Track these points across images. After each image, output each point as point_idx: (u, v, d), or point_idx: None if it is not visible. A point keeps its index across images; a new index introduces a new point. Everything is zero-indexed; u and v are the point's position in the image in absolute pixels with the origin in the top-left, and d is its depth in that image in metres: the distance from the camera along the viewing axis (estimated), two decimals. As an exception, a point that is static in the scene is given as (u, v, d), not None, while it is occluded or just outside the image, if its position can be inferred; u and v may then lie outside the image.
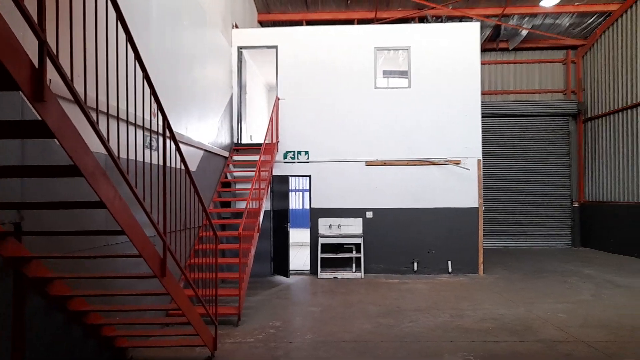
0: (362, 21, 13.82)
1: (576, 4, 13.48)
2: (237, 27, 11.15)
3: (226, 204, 9.98)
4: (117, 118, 3.24)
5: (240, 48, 11.10)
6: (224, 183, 9.82)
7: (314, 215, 10.72)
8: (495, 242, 15.29)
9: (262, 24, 14.10)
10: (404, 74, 10.99)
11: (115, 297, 4.87)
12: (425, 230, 10.66)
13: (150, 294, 4.67)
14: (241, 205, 9.81)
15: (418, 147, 10.73)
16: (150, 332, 5.47)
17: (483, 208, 10.83)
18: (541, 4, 12.27)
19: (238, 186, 10.28)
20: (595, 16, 14.05)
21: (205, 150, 8.59)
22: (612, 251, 13.77)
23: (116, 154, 3.13)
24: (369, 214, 10.69)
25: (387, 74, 11.63)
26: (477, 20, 13.35)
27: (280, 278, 10.24)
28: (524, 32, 14.46)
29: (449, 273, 10.54)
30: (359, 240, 10.35)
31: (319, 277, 10.26)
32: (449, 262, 10.56)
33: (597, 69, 14.88)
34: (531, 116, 15.47)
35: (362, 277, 10.27)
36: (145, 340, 5.61)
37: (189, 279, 4.77)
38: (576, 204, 15.42)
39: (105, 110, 3.47)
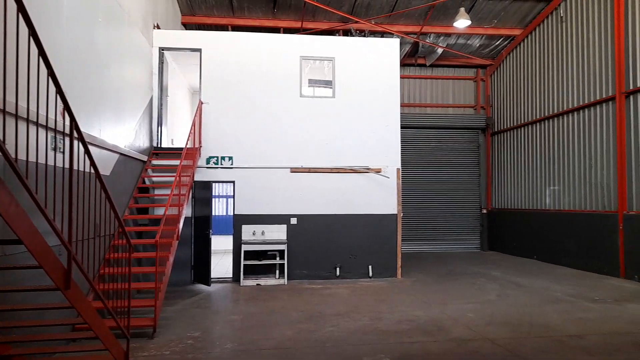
0: (288, 30, 13.95)
1: (485, 27, 14.63)
2: (158, 27, 10.76)
3: (144, 210, 9.53)
4: (16, 116, 2.98)
5: (161, 49, 10.71)
6: (141, 188, 9.37)
7: (238, 221, 10.57)
8: (413, 247, 16.01)
9: (186, 26, 13.73)
10: (328, 83, 11.24)
11: (13, 312, 4.45)
12: (348, 236, 10.91)
13: (54, 307, 4.32)
14: (160, 211, 9.41)
15: (341, 155, 10.99)
16: (54, 349, 5.06)
17: (401, 215, 11.31)
18: (455, 24, 13.15)
19: (157, 192, 9.87)
20: (502, 39, 15.33)
21: (121, 154, 8.15)
22: (515, 254, 14.99)
23: (14, 155, 2.88)
24: (294, 221, 10.74)
25: (313, 83, 11.82)
26: (398, 37, 14.02)
27: (201, 287, 9.94)
28: (440, 50, 15.40)
29: (370, 277, 10.86)
30: (283, 247, 10.36)
31: (241, 284, 10.11)
32: (370, 267, 10.89)
33: (503, 88, 16.21)
34: (445, 128, 16.47)
35: (286, 283, 10.27)
36: (48, 357, 5.18)
37: (98, 290, 4.48)
38: (484, 211, 16.61)
39: (1, 107, 3.19)
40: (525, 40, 14.84)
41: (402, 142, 11.64)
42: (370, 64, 11.25)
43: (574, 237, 12.25)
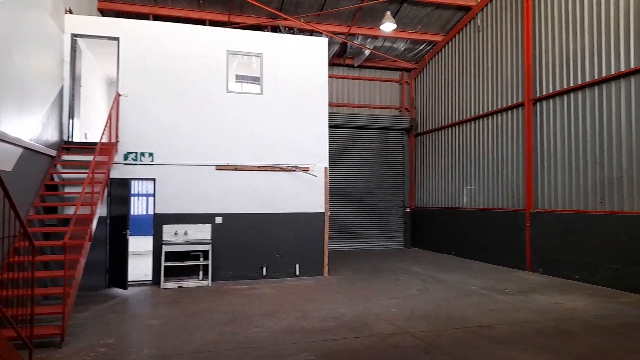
0: (214, 23, 13.51)
1: (409, 31, 15.17)
2: (71, 12, 9.95)
3: (52, 210, 8.77)
4: None
5: (74, 36, 9.93)
6: (49, 186, 8.60)
7: (158, 221, 10.07)
8: (340, 245, 16.24)
9: (103, 12, 12.86)
10: (256, 80, 11.05)
11: None
12: (275, 235, 10.79)
13: None
14: (71, 210, 8.70)
15: (269, 153, 10.85)
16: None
17: (329, 213, 11.40)
18: (381, 27, 13.50)
19: (68, 189, 9.11)
20: (425, 44, 16.00)
21: (26, 148, 7.42)
22: (436, 250, 15.71)
23: None
24: (219, 220, 10.44)
25: (240, 78, 11.57)
26: (326, 36, 14.12)
27: (117, 291, 9.35)
28: (367, 52, 15.76)
29: (297, 276, 10.83)
30: (207, 247, 10.02)
31: (162, 287, 9.64)
32: (297, 266, 10.86)
33: (426, 91, 16.94)
34: (372, 129, 16.90)
35: (210, 284, 9.95)
36: None
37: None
38: (408, 209, 17.25)
39: None
40: (446, 47, 15.60)
41: (330, 141, 11.74)
42: (299, 61, 11.22)
43: (487, 234, 13.07)
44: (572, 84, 10.47)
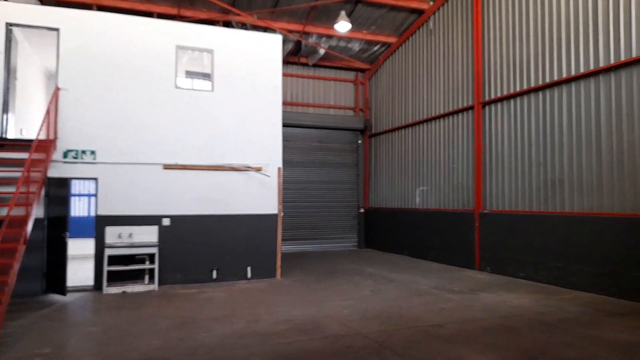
0: (163, 16, 12.96)
1: (364, 32, 15.26)
2: (5, -2, 9.26)
3: (-19, 211, 8.09)
4: None
5: (9, 25, 9.24)
6: (-22, 185, 7.95)
7: (101, 223, 9.54)
8: (294, 247, 16.10)
9: (43, 1, 12.06)
10: (207, 76, 10.71)
11: None
12: (226, 237, 10.51)
13: None
14: (3, 212, 8.06)
15: (221, 153, 10.55)
16: None
17: (282, 214, 11.23)
18: (336, 27, 13.49)
19: (0, 189, 8.45)
20: (379, 45, 16.16)
21: (-51, 144, 6.80)
22: (388, 251, 15.89)
23: None
24: (166, 221, 10.03)
25: (190, 74, 11.20)
26: (280, 33, 13.93)
27: (55, 297, 8.77)
28: (322, 51, 15.71)
29: (249, 279, 10.60)
30: (154, 250, 9.58)
31: (104, 292, 9.14)
32: (249, 268, 10.62)
33: (380, 92, 17.11)
34: (327, 129, 16.89)
35: (157, 289, 9.54)
36: None
37: None
38: (362, 210, 17.36)
39: None
40: (400, 48, 15.81)
41: (284, 140, 11.58)
42: (252, 58, 10.98)
43: (439, 234, 13.34)
44: (518, 89, 10.86)
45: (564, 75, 9.68)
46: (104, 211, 9.57)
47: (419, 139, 14.66)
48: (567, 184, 9.58)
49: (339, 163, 17.18)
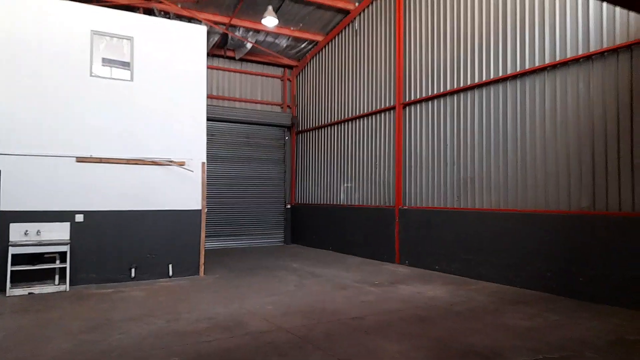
0: (78, -1, 12.16)
1: (292, 28, 15.31)
2: None
3: None
4: None
5: None
6: None
7: (4, 219, 8.74)
8: (219, 243, 15.83)
9: None
10: (126, 65, 10.17)
11: None
12: (147, 234, 10.09)
13: None
14: None
15: (141, 145, 10.09)
16: None
17: (206, 210, 11.00)
18: (263, 21, 13.41)
19: None
20: (307, 42, 16.29)
21: None
22: (314, 246, 16.13)
23: None
24: (80, 218, 9.42)
25: (108, 62, 10.53)
26: (206, 24, 13.58)
27: (-53, 302, 7.94)
28: (249, 45, 15.53)
29: (170, 277, 10.27)
30: (65, 248, 8.95)
31: (8, 294, 8.40)
32: (170, 266, 10.28)
33: (307, 89, 17.27)
34: (254, 124, 16.75)
35: (68, 289, 8.93)
36: None
37: None
38: (289, 206, 17.46)
39: None
40: (327, 47, 16.06)
41: (209, 135, 11.34)
42: (175, 49, 10.60)
43: (362, 230, 13.77)
44: (435, 92, 11.48)
45: (477, 81, 10.40)
46: (7, 207, 8.78)
47: (344, 137, 15.01)
48: (477, 182, 10.32)
49: (266, 159, 17.13)
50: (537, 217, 8.99)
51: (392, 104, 12.89)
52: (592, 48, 8.26)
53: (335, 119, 15.44)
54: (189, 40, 10.81)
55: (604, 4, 8.00)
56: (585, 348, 5.67)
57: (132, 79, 10.08)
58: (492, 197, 9.99)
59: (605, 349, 5.68)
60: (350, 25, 14.80)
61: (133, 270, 9.87)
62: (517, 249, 9.29)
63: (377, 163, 13.43)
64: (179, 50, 10.64)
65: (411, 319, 7.00)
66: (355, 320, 6.86)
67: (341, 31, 15.25)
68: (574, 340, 5.97)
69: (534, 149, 9.18)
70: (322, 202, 16.07)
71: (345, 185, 14.84)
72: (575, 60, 8.54)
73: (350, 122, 14.77)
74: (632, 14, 7.65)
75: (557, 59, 8.80)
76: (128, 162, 9.92)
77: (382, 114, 13.35)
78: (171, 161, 10.37)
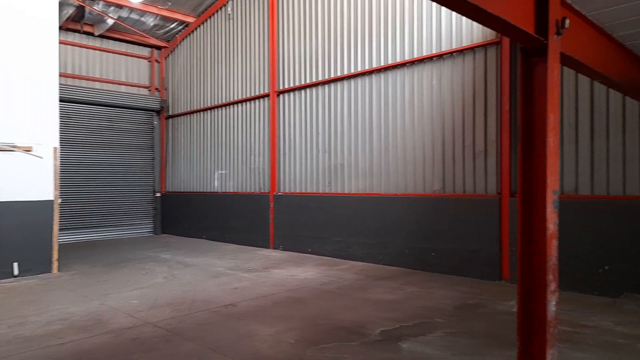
0: None
1: (159, 7, 14.36)
2: None
3: None
4: None
5: None
6: None
7: None
8: (79, 236, 14.37)
9: None
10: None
11: None
12: (-17, 230, 8.73)
13: None
14: None
15: (-27, 127, 8.66)
16: None
17: (60, 200, 9.87)
18: (127, -4, 12.38)
19: None
20: (177, 23, 15.44)
21: None
22: (187, 235, 15.53)
23: None
24: None
25: None
26: (58, -7, 12.08)
27: None
28: (111, 21, 14.21)
29: (15, 276, 9.04)
30: None
31: None
32: (15, 264, 9.05)
33: (178, 72, 16.41)
34: (117, 107, 15.41)
35: None
36: None
37: None
38: (158, 194, 16.51)
39: None
40: (198, 30, 15.40)
41: (63, 117, 10.14)
42: (18, 19, 9.22)
43: (237, 217, 13.62)
44: (308, 81, 11.75)
45: (346, 72, 10.88)
46: None
47: (218, 123, 14.63)
48: (347, 169, 10.87)
49: (132, 145, 15.92)
50: (398, 200, 9.79)
51: (266, 92, 12.88)
52: (444, 48, 9.19)
53: (209, 104, 14.95)
54: (35, 9, 9.43)
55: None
56: (435, 314, 6.37)
57: (-41, 49, 8.55)
58: (359, 183, 10.61)
59: (451, 313, 6.45)
60: (224, 8, 14.37)
61: (-34, 272, 8.49)
62: (382, 230, 10.03)
63: (252, 150, 13.36)
64: (23, 21, 9.23)
65: (284, 301, 7.15)
66: (227, 308, 6.78)
67: (214, 14, 14.73)
68: (426, 308, 6.67)
69: (396, 138, 9.94)
70: (195, 190, 15.51)
71: (220, 172, 14.50)
72: (430, 58, 9.42)
73: (224, 108, 14.42)
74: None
75: (415, 56, 9.62)
76: (-44, 146, 8.44)
77: (257, 101, 13.27)
78: (15, 146, 9.07)
